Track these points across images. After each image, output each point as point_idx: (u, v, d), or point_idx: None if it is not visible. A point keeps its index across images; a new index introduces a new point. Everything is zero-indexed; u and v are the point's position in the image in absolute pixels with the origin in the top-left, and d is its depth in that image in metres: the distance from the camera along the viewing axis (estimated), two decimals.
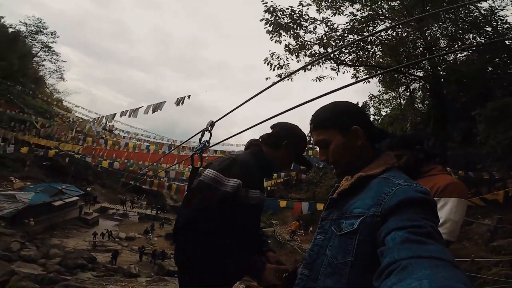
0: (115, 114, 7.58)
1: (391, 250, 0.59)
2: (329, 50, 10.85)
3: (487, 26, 11.11)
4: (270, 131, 1.32)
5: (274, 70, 11.47)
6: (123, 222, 24.66)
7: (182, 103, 6.50)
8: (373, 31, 11.16)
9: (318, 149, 0.96)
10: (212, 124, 1.64)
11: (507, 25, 11.02)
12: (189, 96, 6.49)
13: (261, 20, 10.69)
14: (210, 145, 1.56)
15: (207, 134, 1.64)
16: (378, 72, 11.77)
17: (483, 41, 10.56)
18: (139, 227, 22.90)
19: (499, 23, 11.14)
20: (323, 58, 11.05)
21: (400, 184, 0.75)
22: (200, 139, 1.58)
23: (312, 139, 0.96)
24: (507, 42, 10.29)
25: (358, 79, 12.91)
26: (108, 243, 17.98)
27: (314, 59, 10.80)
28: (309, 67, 10.92)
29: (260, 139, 1.33)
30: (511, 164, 8.80)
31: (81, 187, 24.59)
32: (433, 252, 0.54)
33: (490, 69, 11.41)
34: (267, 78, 12.02)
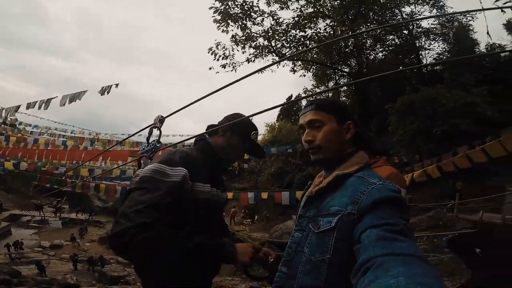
0: (19, 106, 6.42)
1: (367, 247, 0.61)
2: (273, 43, 11.24)
3: (404, 29, 13.17)
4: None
5: (218, 60, 11.27)
6: (42, 229, 21.38)
7: (108, 92, 5.81)
8: (315, 28, 11.94)
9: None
10: (161, 119, 1.40)
11: (420, 28, 13.27)
12: (117, 85, 5.83)
13: (210, 8, 10.35)
14: (160, 146, 1.32)
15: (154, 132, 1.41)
16: (383, 73, 12.59)
17: (398, 42, 12.50)
18: (64, 234, 20.14)
19: (415, 26, 13.36)
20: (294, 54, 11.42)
21: (375, 183, 0.78)
22: (147, 139, 1.33)
23: (302, 119, 0.95)
24: (417, 44, 12.44)
25: (296, 72, 13.74)
26: (30, 254, 15.43)
27: (297, 52, 11.11)
28: (252, 59, 11.13)
29: (206, 134, 1.24)
30: (415, 150, 10.76)
31: None
32: (405, 249, 0.57)
33: (401, 67, 13.63)
34: (210, 68, 11.75)
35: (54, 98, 6.03)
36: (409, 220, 0.74)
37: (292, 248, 0.88)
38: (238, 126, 1.17)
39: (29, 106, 6.18)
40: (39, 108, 6.15)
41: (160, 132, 1.38)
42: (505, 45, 13.75)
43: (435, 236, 6.52)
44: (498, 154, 3.64)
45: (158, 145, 1.31)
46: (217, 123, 1.24)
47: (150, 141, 1.32)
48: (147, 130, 1.43)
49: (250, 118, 1.26)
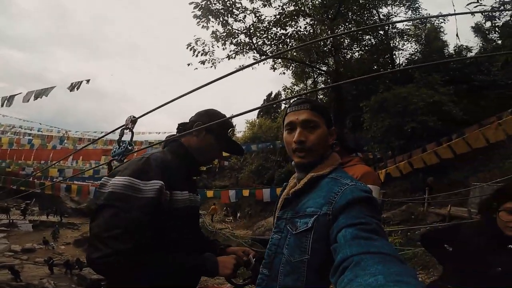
0: None
1: (343, 246, 0.63)
2: (254, 40, 11.24)
3: (380, 29, 13.67)
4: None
5: (197, 56, 11.08)
6: (12, 233, 20.40)
7: (78, 88, 5.46)
8: (296, 26, 12.00)
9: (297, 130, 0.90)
10: (133, 120, 1.31)
11: (395, 29, 13.87)
12: (87, 81, 5.50)
13: (191, 3, 10.08)
14: (133, 148, 1.25)
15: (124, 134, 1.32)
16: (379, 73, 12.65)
17: (374, 42, 12.91)
18: (36, 237, 19.36)
19: (390, 27, 13.90)
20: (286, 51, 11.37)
21: (347, 184, 0.82)
22: (118, 141, 1.26)
23: (294, 116, 0.92)
24: (391, 44, 12.99)
25: (276, 70, 13.83)
26: (1, 258, 14.74)
27: (284, 50, 11.05)
28: (233, 55, 11.08)
29: (177, 134, 1.17)
30: (388, 145, 11.26)
31: None
32: (380, 247, 0.59)
33: (375, 67, 14.20)
34: (188, 64, 11.54)
35: (18, 94, 5.59)
36: (381, 219, 0.78)
37: (272, 250, 0.89)
38: (213, 124, 1.10)
39: None
40: (2, 105, 5.67)
41: (132, 133, 1.28)
42: (471, 47, 14.80)
43: (409, 230, 6.77)
44: (463, 150, 3.90)
45: (130, 147, 1.23)
46: (188, 121, 1.18)
47: (121, 143, 1.24)
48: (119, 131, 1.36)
49: (230, 119, 1.22)
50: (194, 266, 0.96)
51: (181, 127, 1.18)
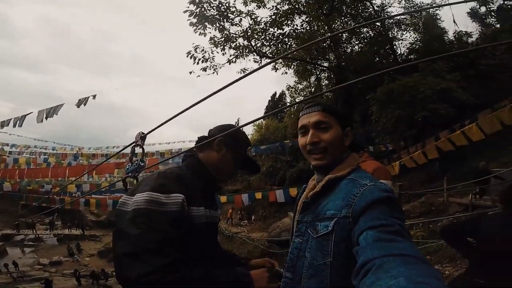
0: None
1: (365, 249, 0.62)
2: (253, 42, 11.24)
3: (377, 21, 13.51)
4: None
5: (198, 63, 11.16)
6: (39, 247, 21.73)
7: (85, 104, 5.54)
8: (292, 25, 11.95)
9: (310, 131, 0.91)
10: (143, 137, 1.34)
11: (392, 20, 13.70)
12: (94, 96, 5.56)
13: (185, 11, 10.20)
14: (145, 164, 1.27)
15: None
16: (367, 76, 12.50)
17: (372, 34, 12.75)
18: (61, 250, 20.47)
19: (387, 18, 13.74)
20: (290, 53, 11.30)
21: (366, 184, 0.80)
22: (130, 158, 1.29)
23: (305, 119, 0.92)
24: (390, 35, 12.79)
25: (278, 70, 13.84)
26: (31, 272, 15.68)
27: (285, 53, 11.02)
28: (233, 59, 11.10)
29: (195, 148, 1.15)
30: (399, 137, 11.03)
31: None
32: (403, 249, 0.58)
33: (377, 59, 13.99)
34: (190, 72, 11.64)
35: (29, 114, 5.73)
36: (404, 218, 0.75)
37: (294, 254, 0.89)
38: (234, 142, 1.09)
39: (3, 124, 5.77)
40: (14, 126, 5.86)
41: (143, 149, 1.32)
42: (471, 32, 14.60)
43: (430, 222, 6.44)
44: (478, 137, 3.77)
45: (142, 164, 1.26)
46: (208, 134, 1.15)
47: (133, 160, 1.28)
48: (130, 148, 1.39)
49: (244, 131, 1.20)
50: (231, 280, 0.93)
51: (201, 140, 1.14)
